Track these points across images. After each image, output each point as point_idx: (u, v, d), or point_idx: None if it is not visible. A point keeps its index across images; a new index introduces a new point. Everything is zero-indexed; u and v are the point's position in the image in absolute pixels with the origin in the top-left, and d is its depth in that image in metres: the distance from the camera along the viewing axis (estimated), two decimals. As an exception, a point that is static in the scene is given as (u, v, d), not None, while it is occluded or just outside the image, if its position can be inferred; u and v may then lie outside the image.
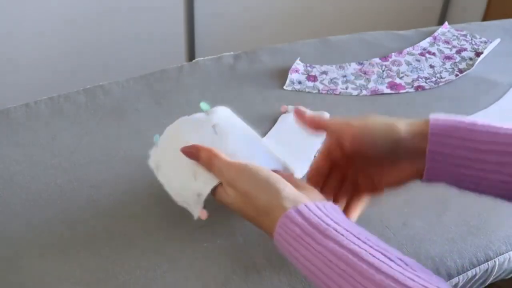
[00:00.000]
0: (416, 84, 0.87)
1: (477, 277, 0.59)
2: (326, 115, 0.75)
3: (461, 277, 0.58)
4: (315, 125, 0.55)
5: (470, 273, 0.58)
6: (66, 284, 0.53)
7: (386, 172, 0.52)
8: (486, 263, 0.59)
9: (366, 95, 0.84)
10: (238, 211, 0.50)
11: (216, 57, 0.90)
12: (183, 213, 0.61)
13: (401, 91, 0.86)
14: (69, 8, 1.50)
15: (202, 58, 0.89)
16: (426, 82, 0.88)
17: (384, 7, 2.00)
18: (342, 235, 0.42)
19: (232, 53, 0.91)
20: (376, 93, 0.85)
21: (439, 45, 0.99)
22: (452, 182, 0.49)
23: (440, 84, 0.88)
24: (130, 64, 1.63)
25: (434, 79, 0.89)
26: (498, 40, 1.00)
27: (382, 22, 1.96)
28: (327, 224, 0.43)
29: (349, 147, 0.52)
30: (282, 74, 0.87)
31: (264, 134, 0.73)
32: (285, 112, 0.77)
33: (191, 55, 1.76)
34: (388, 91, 0.86)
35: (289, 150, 0.68)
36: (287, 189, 0.47)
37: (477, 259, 0.59)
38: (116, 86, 0.81)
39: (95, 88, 0.80)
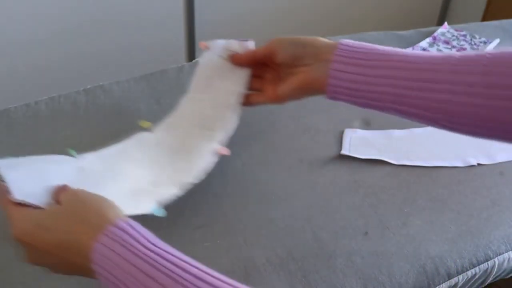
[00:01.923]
0: None
1: (476, 277, 0.59)
2: (251, 43, 0.69)
3: (460, 277, 0.58)
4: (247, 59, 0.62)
5: (469, 273, 0.58)
6: (66, 284, 0.53)
7: (294, 72, 0.58)
8: (486, 263, 0.59)
9: (366, 95, 0.84)
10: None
11: (216, 57, 0.90)
12: (183, 213, 0.61)
13: None
14: (71, 9, 1.50)
15: (202, 58, 0.89)
16: None
17: (384, 7, 2.00)
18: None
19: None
20: (376, 93, 0.85)
21: (438, 45, 0.99)
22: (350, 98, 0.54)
23: None
24: (131, 64, 1.63)
25: None
26: (497, 41, 1.00)
27: (382, 22, 1.96)
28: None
29: (280, 54, 0.60)
30: (282, 74, 0.87)
31: (256, 133, 0.73)
32: (205, 49, 0.68)
33: (191, 55, 1.75)
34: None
35: (213, 102, 0.64)
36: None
37: (476, 259, 0.59)
38: (116, 86, 0.81)
39: (95, 88, 0.80)
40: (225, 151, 0.61)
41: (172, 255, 0.42)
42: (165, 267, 0.40)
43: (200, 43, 0.68)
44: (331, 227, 0.60)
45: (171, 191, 0.57)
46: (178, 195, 0.57)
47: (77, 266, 0.43)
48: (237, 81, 0.63)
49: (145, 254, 0.41)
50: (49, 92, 0.79)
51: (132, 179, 0.57)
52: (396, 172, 0.68)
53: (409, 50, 0.51)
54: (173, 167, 0.59)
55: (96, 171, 0.56)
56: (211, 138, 0.61)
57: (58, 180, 0.50)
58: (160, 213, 0.54)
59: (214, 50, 0.66)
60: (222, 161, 0.69)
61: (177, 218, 0.60)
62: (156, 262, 0.40)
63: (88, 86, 0.80)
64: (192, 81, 0.66)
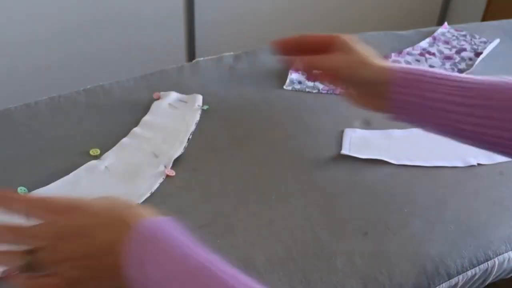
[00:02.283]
0: None
1: (476, 277, 0.59)
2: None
3: (460, 277, 0.58)
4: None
5: (469, 273, 0.58)
6: None
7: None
8: (486, 263, 0.59)
9: (366, 95, 0.85)
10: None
11: (216, 57, 0.90)
12: (183, 213, 0.61)
13: None
14: (71, 9, 1.50)
15: (202, 58, 0.89)
16: None
17: (384, 7, 2.00)
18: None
19: (232, 53, 0.91)
20: (376, 93, 0.85)
21: (438, 45, 0.99)
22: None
23: None
24: (131, 64, 1.63)
25: None
26: (497, 41, 1.00)
27: (382, 22, 1.96)
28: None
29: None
30: (282, 74, 0.87)
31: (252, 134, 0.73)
32: (157, 99, 0.78)
33: (191, 55, 1.75)
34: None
35: (163, 135, 0.71)
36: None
37: (476, 259, 0.59)
38: (116, 86, 0.81)
39: (96, 88, 0.80)
40: (171, 173, 0.66)
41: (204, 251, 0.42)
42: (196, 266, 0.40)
43: (154, 94, 0.79)
44: (331, 227, 0.60)
45: None
46: None
47: (104, 248, 0.40)
48: (186, 122, 0.74)
49: (177, 251, 0.40)
50: (49, 92, 0.79)
51: None
52: (396, 172, 0.68)
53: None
54: (120, 191, 0.63)
55: None
56: (158, 163, 0.66)
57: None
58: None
59: (166, 99, 0.78)
60: (222, 161, 0.69)
61: (177, 219, 0.60)
62: (188, 260, 0.40)
63: (88, 86, 0.80)
64: (144, 119, 0.74)
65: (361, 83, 0.62)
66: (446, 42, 1.00)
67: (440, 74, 0.58)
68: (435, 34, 1.02)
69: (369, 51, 0.64)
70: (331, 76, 0.67)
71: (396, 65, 0.61)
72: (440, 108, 0.56)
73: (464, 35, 1.03)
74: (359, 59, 0.62)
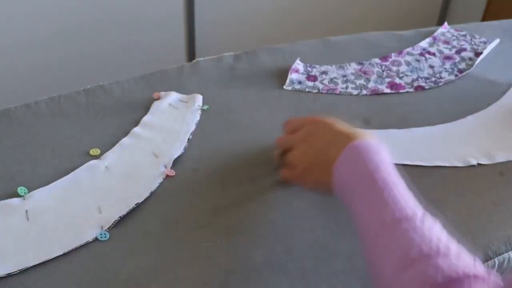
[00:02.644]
0: (415, 84, 0.87)
1: (476, 277, 0.59)
2: None
3: (460, 277, 0.58)
4: None
5: (469, 273, 0.58)
6: (66, 283, 0.53)
7: None
8: (486, 263, 0.59)
9: (366, 95, 0.85)
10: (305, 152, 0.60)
11: (216, 57, 0.90)
12: (183, 213, 0.61)
13: (401, 91, 0.86)
14: (71, 9, 1.50)
15: (202, 58, 0.89)
16: (425, 82, 0.88)
17: (384, 7, 2.00)
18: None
19: (232, 53, 0.91)
20: (376, 93, 0.85)
21: (438, 46, 0.99)
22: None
23: (440, 84, 0.88)
24: (131, 64, 1.63)
25: (433, 79, 0.89)
26: (497, 41, 1.00)
27: (382, 22, 1.96)
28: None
29: None
30: (282, 74, 0.87)
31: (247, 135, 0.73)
32: (157, 99, 0.78)
33: (191, 55, 1.76)
34: (388, 90, 0.86)
35: (163, 135, 0.72)
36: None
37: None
38: (116, 86, 0.81)
39: (96, 88, 0.80)
40: (171, 173, 0.65)
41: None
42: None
43: (154, 94, 0.79)
44: (331, 227, 0.60)
45: (115, 214, 0.59)
46: (121, 216, 0.59)
47: (327, 157, 0.56)
48: (186, 122, 0.74)
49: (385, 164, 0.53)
50: (49, 92, 0.79)
51: (79, 209, 0.60)
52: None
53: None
54: (120, 191, 0.63)
55: (43, 210, 0.59)
56: (158, 163, 0.66)
57: (7, 235, 0.56)
58: (104, 237, 0.57)
59: (166, 99, 0.78)
60: (222, 161, 0.69)
61: (177, 219, 0.60)
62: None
63: (88, 86, 0.80)
64: (144, 119, 0.74)
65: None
66: (446, 42, 1.00)
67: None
68: (435, 34, 1.02)
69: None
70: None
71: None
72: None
73: (464, 35, 1.03)
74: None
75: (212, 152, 0.70)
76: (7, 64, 1.49)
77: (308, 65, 0.90)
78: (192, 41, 1.73)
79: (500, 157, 0.72)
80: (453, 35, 1.03)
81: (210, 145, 0.71)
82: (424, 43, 0.99)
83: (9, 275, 0.52)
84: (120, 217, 0.59)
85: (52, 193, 0.62)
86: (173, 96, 0.79)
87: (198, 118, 0.75)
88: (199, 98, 0.79)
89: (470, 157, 0.71)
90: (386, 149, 0.55)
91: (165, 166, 0.66)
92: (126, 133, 0.72)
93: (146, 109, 0.77)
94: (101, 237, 0.57)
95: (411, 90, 0.86)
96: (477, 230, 0.61)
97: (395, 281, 0.43)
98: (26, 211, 0.59)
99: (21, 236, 0.56)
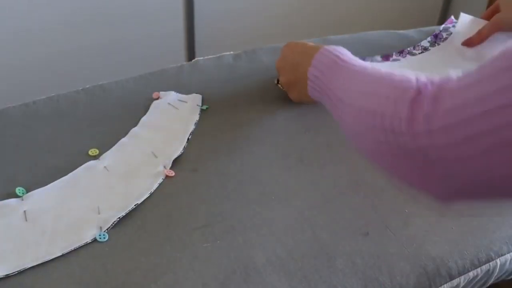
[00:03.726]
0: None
1: (478, 278, 0.59)
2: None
3: (462, 277, 0.58)
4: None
5: (471, 274, 0.58)
6: (65, 284, 0.52)
7: None
8: (488, 264, 0.59)
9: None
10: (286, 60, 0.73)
11: (216, 56, 0.89)
12: (182, 213, 0.61)
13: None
14: (69, 7, 1.49)
15: (202, 58, 0.89)
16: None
17: (385, 7, 2.00)
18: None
19: (231, 52, 0.91)
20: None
21: (440, 45, 0.99)
22: None
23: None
24: (130, 63, 1.63)
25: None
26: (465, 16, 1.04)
27: (382, 22, 1.95)
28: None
29: None
30: (282, 74, 0.87)
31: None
32: (156, 99, 0.78)
33: (191, 55, 1.75)
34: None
35: (163, 135, 0.71)
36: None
37: (478, 260, 0.58)
38: (115, 85, 0.81)
39: (94, 88, 0.80)
40: (170, 173, 0.65)
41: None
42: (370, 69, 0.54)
43: (154, 93, 0.79)
44: (331, 227, 0.60)
45: (115, 214, 0.59)
46: (120, 216, 0.59)
47: (300, 68, 0.66)
48: (185, 122, 0.74)
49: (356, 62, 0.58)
50: (47, 92, 0.79)
51: (78, 210, 0.60)
52: (397, 172, 0.68)
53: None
54: (119, 191, 0.62)
55: (42, 211, 0.59)
56: (158, 163, 0.66)
57: (5, 235, 0.56)
58: (103, 238, 0.57)
59: (166, 99, 0.77)
60: (222, 161, 0.69)
61: (177, 219, 0.60)
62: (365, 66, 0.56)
63: (87, 86, 0.80)
64: (143, 119, 0.74)
65: None
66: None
67: None
68: (437, 31, 1.02)
69: None
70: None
71: None
72: None
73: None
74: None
75: (211, 152, 0.70)
76: (5, 64, 1.48)
77: None
78: (192, 40, 1.73)
79: None
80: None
81: (210, 145, 0.71)
82: (425, 42, 0.99)
83: (7, 276, 0.52)
84: (119, 217, 0.59)
85: (50, 194, 0.61)
86: (173, 95, 0.78)
87: (197, 118, 0.75)
88: (198, 98, 0.78)
89: None
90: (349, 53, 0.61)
91: (165, 166, 0.66)
92: (125, 133, 0.72)
93: (146, 109, 0.76)
94: (100, 238, 0.57)
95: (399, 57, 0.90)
96: (478, 230, 0.61)
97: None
98: (25, 211, 0.58)
99: (19, 236, 0.56)
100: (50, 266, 0.54)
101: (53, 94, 0.78)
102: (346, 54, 0.60)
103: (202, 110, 0.77)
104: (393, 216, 0.62)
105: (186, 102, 0.78)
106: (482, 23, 0.92)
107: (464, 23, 0.96)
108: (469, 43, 0.91)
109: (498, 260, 0.59)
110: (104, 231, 0.57)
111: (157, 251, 0.56)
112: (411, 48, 0.97)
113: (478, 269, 0.58)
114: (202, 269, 0.54)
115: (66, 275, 0.53)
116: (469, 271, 0.58)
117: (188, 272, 0.54)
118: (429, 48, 0.97)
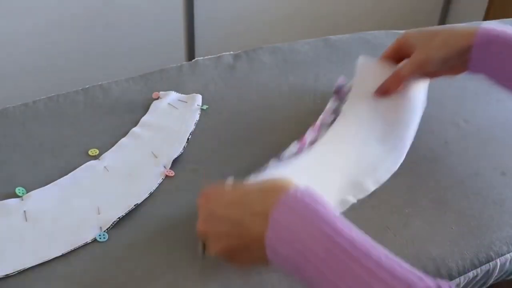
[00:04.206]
0: None
1: (478, 278, 0.59)
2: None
3: (462, 278, 0.58)
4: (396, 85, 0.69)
5: (471, 274, 0.58)
6: (65, 284, 0.52)
7: (440, 73, 0.70)
8: (488, 264, 0.59)
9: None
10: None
11: (216, 56, 0.89)
12: (182, 214, 0.61)
13: None
14: (69, 7, 1.49)
15: (202, 58, 0.89)
16: None
17: (385, 7, 2.00)
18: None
19: (231, 52, 0.91)
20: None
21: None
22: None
23: None
24: (130, 64, 1.63)
25: None
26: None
27: (382, 22, 1.95)
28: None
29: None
30: (282, 74, 0.87)
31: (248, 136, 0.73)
32: (156, 99, 0.78)
33: (190, 55, 1.75)
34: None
35: (163, 135, 0.71)
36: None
37: (478, 260, 0.58)
38: (115, 86, 0.81)
39: (95, 88, 0.80)
40: (170, 173, 0.65)
41: (347, 223, 0.42)
42: (344, 231, 0.41)
43: (153, 93, 0.79)
44: (331, 227, 0.60)
45: (115, 214, 0.59)
46: (120, 217, 0.59)
47: (249, 231, 0.44)
48: (185, 122, 0.73)
49: (325, 216, 0.42)
50: (47, 92, 0.79)
51: (78, 210, 0.60)
52: (396, 172, 0.68)
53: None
54: (119, 191, 0.62)
55: (42, 211, 0.59)
56: (158, 163, 0.66)
57: (5, 236, 0.56)
58: (103, 238, 0.57)
59: (165, 99, 0.77)
60: (222, 161, 0.69)
61: (177, 219, 0.60)
62: (336, 226, 0.41)
63: (87, 86, 0.80)
64: (143, 119, 0.74)
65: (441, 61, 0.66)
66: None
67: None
68: (337, 88, 0.96)
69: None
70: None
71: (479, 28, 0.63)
72: None
73: None
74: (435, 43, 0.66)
75: (211, 152, 0.70)
76: (5, 64, 1.48)
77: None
78: (192, 40, 1.73)
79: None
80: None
81: (210, 145, 0.71)
82: (331, 104, 0.96)
83: (7, 276, 0.52)
84: (119, 217, 0.59)
85: (50, 194, 0.61)
86: (173, 95, 0.78)
87: (197, 118, 0.75)
88: (198, 98, 0.78)
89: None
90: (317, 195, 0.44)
91: (165, 166, 0.66)
92: (125, 133, 0.72)
93: (145, 109, 0.76)
94: (100, 238, 0.57)
95: None
96: (478, 230, 0.61)
97: None
98: (25, 211, 0.58)
99: (19, 237, 0.56)
100: (50, 266, 0.54)
101: (53, 94, 0.78)
102: (319, 201, 0.43)
103: (202, 110, 0.77)
104: (393, 217, 0.62)
105: (186, 102, 0.78)
106: (384, 67, 0.73)
107: (364, 68, 0.75)
108: (385, 89, 0.70)
109: (498, 260, 0.59)
110: (104, 231, 0.57)
111: (157, 251, 0.56)
112: (323, 115, 0.75)
113: (478, 269, 0.58)
114: (202, 269, 0.54)
115: (66, 275, 0.53)
116: (469, 271, 0.58)
117: (188, 272, 0.54)
118: (340, 107, 0.75)
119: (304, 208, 0.42)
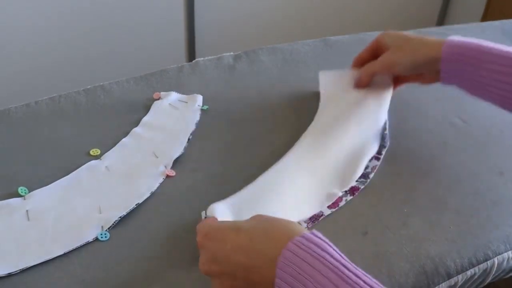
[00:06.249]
0: None
1: (476, 276, 0.59)
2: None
3: (460, 276, 0.58)
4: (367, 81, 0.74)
5: (469, 273, 0.59)
6: (67, 282, 0.53)
7: (410, 79, 0.75)
8: (485, 263, 0.59)
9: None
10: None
11: (216, 57, 0.90)
12: (183, 213, 0.61)
13: None
14: (71, 9, 1.50)
15: (202, 58, 0.90)
16: None
17: (384, 7, 2.00)
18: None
19: (232, 53, 0.91)
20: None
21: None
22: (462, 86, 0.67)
23: None
24: (131, 64, 1.64)
25: None
26: None
27: (381, 22, 1.96)
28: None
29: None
30: (282, 74, 0.87)
31: (253, 135, 0.73)
32: (157, 99, 0.78)
33: (191, 55, 1.76)
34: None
35: (164, 135, 0.72)
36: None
37: (476, 259, 0.59)
38: (116, 86, 0.81)
39: (96, 88, 0.80)
40: (171, 173, 0.66)
41: (356, 269, 0.43)
42: (351, 279, 0.41)
43: (154, 94, 0.79)
44: (330, 227, 0.60)
45: (116, 214, 0.59)
46: (122, 216, 0.59)
47: (255, 274, 0.44)
48: (186, 122, 0.74)
49: (332, 264, 0.42)
50: (49, 92, 0.79)
51: (79, 209, 0.60)
52: (396, 172, 0.68)
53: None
54: (121, 191, 0.63)
55: (44, 210, 0.59)
56: (158, 163, 0.66)
57: (7, 235, 0.56)
58: (104, 237, 0.57)
59: (166, 99, 0.78)
60: (222, 161, 0.69)
61: (178, 219, 0.60)
62: (343, 274, 0.41)
63: (88, 86, 0.80)
64: (144, 119, 0.74)
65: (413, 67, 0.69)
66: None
67: (488, 47, 0.63)
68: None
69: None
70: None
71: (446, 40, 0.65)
72: (489, 79, 0.62)
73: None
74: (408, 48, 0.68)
75: (212, 152, 0.70)
76: (7, 64, 1.49)
77: None
78: (192, 41, 1.73)
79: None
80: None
81: (210, 145, 0.71)
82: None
83: (10, 275, 0.53)
84: (120, 217, 0.59)
85: (52, 193, 0.62)
86: (173, 96, 0.79)
87: (198, 118, 0.75)
88: (199, 98, 0.79)
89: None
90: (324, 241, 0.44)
91: (165, 166, 0.66)
92: (126, 133, 0.72)
93: (146, 109, 0.77)
94: (102, 237, 0.57)
95: None
96: (477, 229, 0.61)
97: None
98: (27, 211, 0.59)
99: (21, 236, 0.56)
100: (52, 265, 0.54)
101: (54, 95, 0.78)
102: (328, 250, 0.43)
103: (202, 110, 0.77)
104: (392, 216, 0.62)
105: (186, 102, 0.78)
106: (347, 74, 0.77)
107: (326, 80, 0.79)
108: (358, 82, 0.75)
109: (495, 259, 0.60)
110: (106, 230, 0.58)
111: (158, 251, 0.57)
112: None
113: (476, 268, 0.59)
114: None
115: (68, 274, 0.53)
116: (467, 270, 0.58)
117: (189, 271, 0.54)
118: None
119: (310, 256, 0.43)
